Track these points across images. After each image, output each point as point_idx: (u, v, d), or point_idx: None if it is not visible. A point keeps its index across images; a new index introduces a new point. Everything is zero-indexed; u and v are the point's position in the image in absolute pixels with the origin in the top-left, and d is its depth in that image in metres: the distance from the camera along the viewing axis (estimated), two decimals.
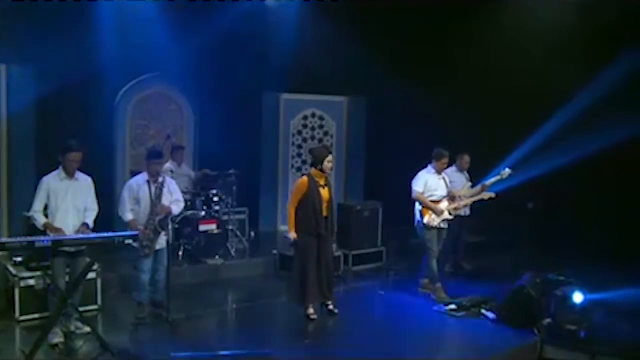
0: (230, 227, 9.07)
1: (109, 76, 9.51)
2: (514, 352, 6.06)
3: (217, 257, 8.57)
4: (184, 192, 7.43)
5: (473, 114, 10.30)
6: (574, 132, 9.09)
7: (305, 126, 11.69)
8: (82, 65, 9.01)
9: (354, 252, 9.13)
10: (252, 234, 10.12)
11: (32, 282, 6.34)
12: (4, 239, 5.18)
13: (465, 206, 8.21)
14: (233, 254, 8.88)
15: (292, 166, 11.68)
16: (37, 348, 5.15)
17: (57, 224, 5.63)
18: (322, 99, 11.67)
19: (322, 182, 6.71)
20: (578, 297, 6.30)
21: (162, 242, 6.42)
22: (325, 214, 6.65)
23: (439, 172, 7.61)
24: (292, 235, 6.59)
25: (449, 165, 8.05)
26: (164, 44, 9.77)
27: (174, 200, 6.55)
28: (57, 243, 5.28)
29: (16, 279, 6.32)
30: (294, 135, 11.65)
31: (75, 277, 5.75)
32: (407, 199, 7.73)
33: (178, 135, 10.86)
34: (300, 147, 11.67)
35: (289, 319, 6.87)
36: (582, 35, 9.48)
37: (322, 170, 6.68)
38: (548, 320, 6.25)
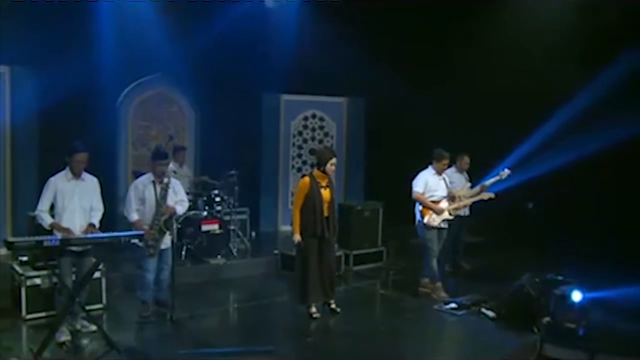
0: (232, 227, 9.13)
1: (111, 77, 9.58)
2: (513, 350, 6.10)
3: (219, 256, 8.65)
4: (186, 193, 7.49)
5: (472, 115, 10.33)
6: (573, 132, 9.12)
7: (305, 127, 11.76)
8: (84, 66, 9.07)
9: (355, 252, 9.20)
10: (253, 234, 10.19)
11: (38, 281, 6.41)
12: (13, 238, 5.23)
13: (465, 206, 8.29)
14: (235, 253, 8.95)
15: (293, 166, 11.74)
16: (45, 346, 5.22)
17: (64, 224, 5.70)
18: (322, 100, 11.73)
19: (323, 183, 6.79)
20: (577, 296, 6.33)
21: (166, 241, 6.50)
22: (326, 214, 6.72)
23: (439, 173, 7.69)
24: (297, 237, 6.65)
25: (449, 166, 8.11)
26: (165, 46, 9.85)
27: (178, 200, 6.63)
28: (65, 242, 5.35)
29: (22, 277, 6.39)
30: (294, 136, 11.72)
31: (82, 276, 5.83)
32: (407, 199, 7.80)
33: (179, 136, 10.93)
34: (300, 147, 11.74)
35: (291, 317, 6.97)
36: (581, 35, 9.49)
37: (324, 172, 6.75)
38: (547, 319, 6.27)
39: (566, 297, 6.34)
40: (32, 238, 5.35)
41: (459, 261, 9.21)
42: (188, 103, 11.21)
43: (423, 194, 7.54)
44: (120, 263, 7.75)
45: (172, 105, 11.11)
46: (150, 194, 6.46)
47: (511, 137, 9.43)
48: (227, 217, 9.07)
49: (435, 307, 7.26)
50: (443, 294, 7.54)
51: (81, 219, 5.83)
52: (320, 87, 11.26)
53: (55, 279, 6.22)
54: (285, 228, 11.19)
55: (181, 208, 6.67)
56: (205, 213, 8.75)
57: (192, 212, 8.58)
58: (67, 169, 5.84)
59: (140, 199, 6.48)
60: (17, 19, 8.53)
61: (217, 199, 9.02)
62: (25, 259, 6.75)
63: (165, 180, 6.51)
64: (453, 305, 7.17)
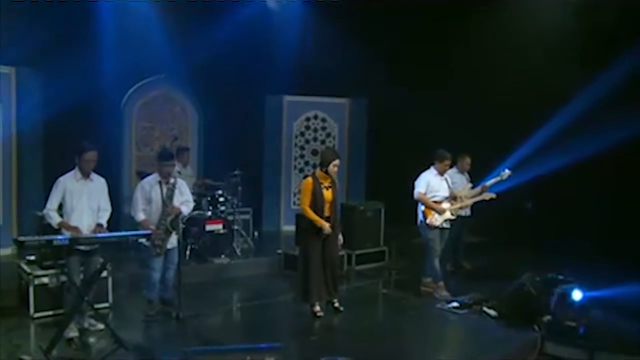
0: (236, 227, 9.22)
1: (115, 78, 9.68)
2: (515, 348, 6.16)
3: (223, 256, 8.74)
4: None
5: (473, 115, 10.38)
6: (573, 133, 9.15)
7: (307, 127, 11.85)
8: (89, 67, 9.19)
9: (357, 252, 9.27)
10: (256, 233, 10.27)
11: (45, 279, 6.49)
12: (23, 238, 5.30)
13: (466, 206, 8.36)
14: (238, 253, 9.04)
15: (295, 167, 11.83)
16: (55, 343, 5.29)
17: (72, 224, 5.77)
18: (324, 101, 11.84)
19: (326, 184, 6.85)
20: (577, 295, 6.42)
21: (173, 241, 6.58)
22: (327, 214, 6.78)
23: (441, 173, 7.77)
24: (326, 227, 6.66)
25: (450, 167, 8.15)
26: (169, 47, 9.95)
27: (184, 200, 6.71)
28: (74, 241, 5.43)
29: (30, 276, 6.47)
30: (296, 137, 11.82)
31: (89, 274, 5.91)
32: (408, 199, 7.87)
33: (182, 136, 11.03)
34: (302, 148, 11.83)
35: (294, 316, 7.04)
36: (581, 36, 9.52)
37: (326, 173, 6.82)
38: (548, 317, 6.36)
39: (567, 295, 6.42)
40: (42, 237, 5.42)
41: (460, 261, 9.27)
42: (191, 104, 11.31)
43: (425, 194, 7.62)
44: (125, 263, 7.82)
45: (176, 106, 11.21)
46: (156, 194, 6.54)
47: (512, 138, 9.47)
48: (230, 217, 9.16)
49: (438, 305, 7.34)
50: (445, 293, 7.63)
51: (89, 219, 5.90)
52: (322, 88, 11.35)
53: (63, 278, 6.33)
54: (287, 228, 11.29)
55: (186, 208, 6.75)
56: (209, 213, 8.84)
57: (196, 212, 8.65)
58: (76, 169, 5.91)
59: (146, 199, 6.55)
60: (21, 20, 8.62)
61: (221, 199, 9.11)
62: (32, 258, 6.83)
63: (172, 180, 6.60)
64: (455, 304, 7.25)
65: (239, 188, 9.43)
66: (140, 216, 6.51)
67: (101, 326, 6.04)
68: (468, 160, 9.00)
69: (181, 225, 6.93)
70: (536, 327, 6.39)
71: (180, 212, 6.61)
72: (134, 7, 9.81)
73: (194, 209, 8.56)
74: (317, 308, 6.81)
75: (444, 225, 7.69)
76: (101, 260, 6.05)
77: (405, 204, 8.29)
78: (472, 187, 8.32)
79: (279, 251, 9.17)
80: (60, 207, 5.90)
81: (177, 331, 6.32)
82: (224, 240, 8.84)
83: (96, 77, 9.30)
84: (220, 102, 10.82)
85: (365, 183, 11.93)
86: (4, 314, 6.44)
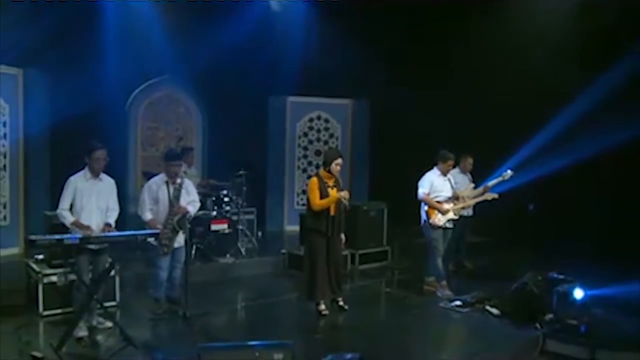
0: (240, 227, 9.30)
1: (121, 79, 9.78)
2: (517, 346, 6.25)
3: (228, 255, 8.84)
4: None
5: (475, 116, 10.44)
6: (574, 134, 9.22)
7: (310, 128, 11.94)
8: (94, 68, 9.29)
9: (360, 252, 9.36)
10: (260, 233, 10.36)
11: (54, 278, 6.58)
12: (35, 237, 5.40)
13: (469, 207, 8.44)
14: (243, 252, 9.13)
15: (298, 167, 11.92)
16: (65, 340, 5.38)
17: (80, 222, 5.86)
18: (327, 102, 11.93)
19: (330, 183, 6.92)
20: (578, 293, 6.52)
21: (180, 240, 6.67)
22: (332, 213, 6.86)
23: (444, 174, 7.85)
24: (344, 194, 6.75)
25: (452, 167, 8.25)
26: (173, 48, 10.04)
27: (191, 200, 6.81)
28: (84, 240, 5.52)
29: (39, 275, 6.56)
30: (299, 137, 11.91)
31: (98, 273, 6.01)
32: (411, 199, 7.95)
33: (187, 137, 11.13)
34: (305, 148, 11.92)
35: (300, 314, 7.13)
36: (582, 36, 9.56)
37: (330, 172, 6.90)
38: (550, 315, 6.45)
39: (568, 294, 6.52)
40: (52, 236, 5.50)
41: (462, 260, 9.34)
42: (195, 105, 11.39)
43: (429, 194, 7.71)
44: (131, 262, 7.89)
45: (180, 106, 11.30)
46: (163, 194, 6.63)
47: (512, 139, 9.54)
48: (235, 217, 9.24)
49: (441, 304, 7.41)
50: (448, 292, 7.71)
51: (98, 219, 5.99)
52: (325, 89, 11.42)
53: (71, 277, 6.43)
54: (290, 228, 11.37)
55: (193, 208, 6.84)
56: (214, 213, 8.93)
57: (201, 212, 8.73)
58: (86, 169, 6.00)
59: (153, 198, 6.65)
60: (28, 22, 8.69)
61: (226, 199, 9.20)
62: (41, 257, 6.92)
63: (179, 180, 6.69)
64: (458, 302, 7.34)
65: (244, 188, 9.51)
66: (148, 216, 6.60)
67: (109, 324, 6.14)
68: (470, 160, 9.07)
69: (187, 225, 7.01)
70: (538, 325, 6.45)
71: (188, 212, 6.69)
72: (139, 9, 9.91)
73: (199, 208, 8.69)
74: (323, 306, 6.90)
75: (447, 225, 7.78)
76: (109, 259, 6.15)
77: (407, 204, 8.37)
78: (474, 188, 8.39)
79: (283, 251, 9.26)
80: (70, 207, 5.98)
81: (184, 329, 6.40)
82: (229, 239, 8.93)
83: (102, 78, 9.38)
84: (224, 103, 10.90)
85: (368, 183, 12.03)
86: (13, 312, 6.53)
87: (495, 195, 8.02)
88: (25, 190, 8.89)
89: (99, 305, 5.97)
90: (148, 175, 8.38)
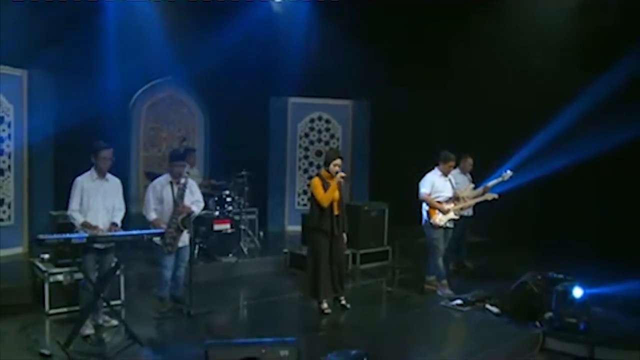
0: (242, 227, 9.38)
1: (124, 80, 9.86)
2: (517, 344, 6.34)
3: (230, 255, 8.92)
4: None
5: (476, 116, 10.50)
6: (574, 134, 9.28)
7: (311, 129, 12.01)
8: (98, 69, 9.38)
9: (361, 251, 9.44)
10: (261, 233, 10.43)
11: (60, 277, 6.66)
12: (43, 236, 5.47)
13: (469, 207, 8.51)
14: (245, 252, 9.20)
15: (299, 168, 11.99)
16: (72, 338, 5.46)
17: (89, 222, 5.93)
18: (328, 103, 12.00)
19: (331, 183, 6.97)
20: (577, 292, 6.58)
21: (184, 240, 6.75)
22: (336, 212, 6.95)
23: (445, 174, 7.93)
24: (339, 176, 6.87)
25: (453, 168, 8.33)
26: (175, 49, 10.12)
27: (195, 200, 6.87)
28: (92, 239, 5.59)
29: (45, 274, 6.63)
30: (300, 138, 11.98)
31: (104, 272, 6.08)
32: (411, 200, 8.02)
33: (189, 137, 11.20)
34: (307, 149, 11.99)
35: (302, 313, 7.23)
36: (581, 36, 9.61)
37: (329, 172, 6.98)
38: (549, 314, 6.51)
39: (567, 293, 6.56)
40: (61, 235, 5.58)
41: (462, 260, 9.41)
42: (197, 105, 11.47)
43: (430, 194, 7.79)
44: (135, 262, 7.96)
45: (182, 107, 11.40)
46: (167, 194, 6.70)
47: (512, 139, 9.60)
48: (237, 217, 9.32)
49: (442, 303, 7.48)
50: (448, 291, 7.79)
51: (104, 218, 6.07)
52: (326, 90, 11.50)
53: (77, 276, 6.51)
54: (291, 228, 11.45)
55: (197, 208, 6.90)
56: (217, 213, 9.00)
57: (204, 212, 8.80)
58: (93, 169, 6.07)
59: (158, 198, 6.71)
60: (32, 23, 8.76)
61: (228, 199, 9.27)
62: (47, 256, 7.00)
63: (182, 180, 6.76)
64: (458, 301, 7.41)
65: (246, 188, 9.58)
66: (152, 215, 6.67)
67: (115, 322, 6.21)
68: (470, 161, 9.13)
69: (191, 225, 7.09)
70: (538, 324, 6.53)
71: (192, 212, 6.76)
72: (142, 11, 9.99)
73: (202, 208, 8.77)
74: (325, 305, 6.97)
75: (448, 225, 7.86)
76: (115, 258, 6.22)
77: (408, 204, 8.44)
78: (474, 188, 8.46)
79: (285, 250, 9.34)
80: None
81: (189, 327, 6.47)
82: (232, 239, 9.02)
83: (105, 80, 9.47)
84: (226, 104, 11.00)
85: (369, 183, 12.09)
86: (20, 310, 6.61)
87: (495, 196, 8.08)
88: (29, 191, 8.96)
89: (105, 304, 6.04)
90: (151, 176, 8.47)
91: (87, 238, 5.55)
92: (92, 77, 9.30)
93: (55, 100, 9.16)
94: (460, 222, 8.29)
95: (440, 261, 7.83)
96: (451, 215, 7.82)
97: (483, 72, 10.46)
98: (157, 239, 6.36)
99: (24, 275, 7.48)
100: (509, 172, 8.04)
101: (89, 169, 6.09)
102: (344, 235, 7.15)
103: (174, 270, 6.82)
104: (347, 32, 10.62)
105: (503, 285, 7.46)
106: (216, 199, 9.27)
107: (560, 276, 6.95)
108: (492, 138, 9.96)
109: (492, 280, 8.24)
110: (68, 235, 5.53)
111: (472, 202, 8.25)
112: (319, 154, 11.80)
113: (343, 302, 7.18)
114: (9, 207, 8.74)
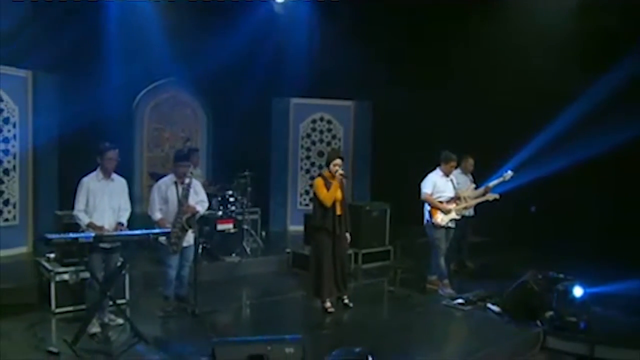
0: (245, 227, 9.44)
1: (127, 81, 9.93)
2: (517, 343, 6.40)
3: (233, 254, 8.99)
4: None
5: (477, 117, 10.52)
6: (574, 135, 9.32)
7: (313, 129, 12.07)
8: (102, 70, 9.45)
9: (363, 251, 9.49)
10: (264, 233, 10.49)
11: (66, 276, 6.73)
12: (51, 235, 5.54)
13: (470, 207, 8.56)
14: (248, 252, 9.27)
15: (301, 168, 12.04)
16: (79, 336, 5.54)
17: (97, 223, 6.00)
18: (329, 103, 12.05)
19: (333, 182, 7.04)
20: (578, 291, 6.64)
21: (189, 239, 6.82)
22: (339, 212, 7.02)
23: (446, 175, 7.98)
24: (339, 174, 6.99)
25: (455, 168, 8.37)
26: (178, 50, 10.19)
27: (199, 200, 6.94)
28: (98, 239, 5.67)
29: (51, 273, 6.71)
30: (302, 138, 12.03)
31: (110, 271, 6.16)
32: (412, 200, 8.08)
33: (192, 138, 11.27)
34: (308, 149, 12.04)
35: (306, 311, 7.30)
36: (581, 36, 9.64)
37: (330, 172, 7.04)
38: (550, 313, 6.56)
39: (568, 292, 6.63)
40: (68, 235, 5.65)
41: (464, 260, 9.44)
42: (200, 106, 11.54)
43: (432, 195, 7.85)
44: (139, 261, 8.01)
45: (185, 108, 11.47)
46: (172, 194, 6.77)
47: (513, 139, 9.66)
48: (240, 217, 9.38)
49: (443, 302, 7.55)
50: (450, 291, 7.85)
51: (110, 218, 6.14)
52: (327, 91, 11.56)
53: (82, 275, 6.58)
54: (293, 228, 11.52)
55: (202, 208, 6.97)
56: (220, 213, 9.06)
57: (207, 212, 8.86)
58: (98, 169, 6.14)
59: (163, 198, 6.79)
60: (36, 25, 8.85)
61: (232, 199, 9.34)
62: (52, 255, 7.07)
63: (187, 180, 6.83)
64: (460, 300, 7.48)
65: (248, 188, 9.63)
66: (157, 215, 6.74)
67: (120, 321, 6.28)
68: (471, 161, 9.16)
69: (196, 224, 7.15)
70: (538, 323, 6.58)
71: (197, 211, 6.83)
72: (145, 12, 10.06)
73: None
74: (328, 304, 7.04)
75: (450, 225, 7.92)
76: (120, 258, 6.29)
77: (409, 204, 8.49)
78: (476, 188, 8.51)
79: (288, 250, 9.41)
80: None
81: (194, 326, 6.54)
82: (235, 239, 9.09)
83: (109, 80, 9.55)
84: (229, 104, 11.05)
85: (371, 184, 12.13)
86: (26, 309, 6.67)
87: (496, 196, 8.14)
88: (34, 191, 9.01)
89: (110, 303, 6.11)
90: (154, 176, 8.54)
91: (94, 237, 5.62)
92: (96, 78, 9.39)
93: (59, 101, 9.25)
94: (461, 222, 8.33)
95: (442, 261, 7.90)
96: (453, 215, 7.88)
97: (483, 72, 10.49)
98: (162, 239, 6.42)
99: (29, 274, 7.54)
100: (510, 172, 8.09)
101: (94, 170, 6.16)
102: (347, 234, 7.21)
103: (179, 270, 6.88)
104: (348, 33, 10.68)
105: (504, 284, 7.50)
106: (219, 199, 9.33)
107: (561, 275, 7.00)
108: (492, 138, 9.98)
109: (493, 280, 8.29)
110: (75, 235, 5.61)
111: (474, 202, 8.30)
112: (320, 154, 11.85)
113: (346, 301, 7.25)
114: (14, 207, 8.79)
